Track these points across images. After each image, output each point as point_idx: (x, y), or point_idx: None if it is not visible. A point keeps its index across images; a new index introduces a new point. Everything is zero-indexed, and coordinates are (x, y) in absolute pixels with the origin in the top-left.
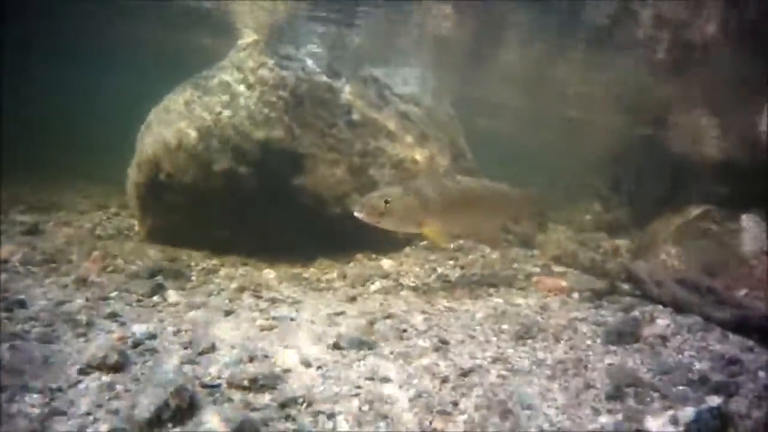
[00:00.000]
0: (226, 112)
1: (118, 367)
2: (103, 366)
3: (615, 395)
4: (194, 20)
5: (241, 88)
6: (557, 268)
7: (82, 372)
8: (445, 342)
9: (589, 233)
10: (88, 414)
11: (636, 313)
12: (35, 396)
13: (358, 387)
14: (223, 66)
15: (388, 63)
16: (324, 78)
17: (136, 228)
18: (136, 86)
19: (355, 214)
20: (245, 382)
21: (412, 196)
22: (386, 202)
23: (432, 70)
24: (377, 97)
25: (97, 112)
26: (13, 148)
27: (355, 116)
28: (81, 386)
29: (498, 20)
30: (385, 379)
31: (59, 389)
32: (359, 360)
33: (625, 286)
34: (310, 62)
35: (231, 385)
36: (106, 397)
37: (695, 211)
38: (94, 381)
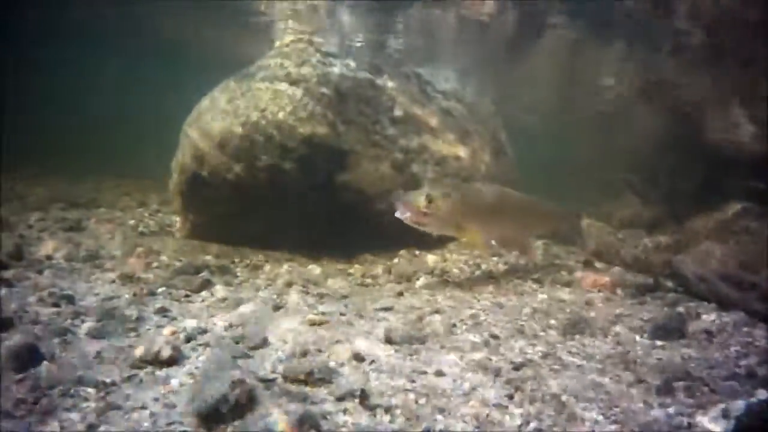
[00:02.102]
0: (270, 109)
1: (171, 362)
2: (156, 360)
3: (666, 389)
4: (234, 17)
5: (285, 84)
6: (599, 264)
7: (136, 366)
8: (495, 337)
9: (627, 229)
10: (145, 408)
11: (681, 308)
12: (90, 390)
13: (413, 381)
14: (266, 63)
15: (429, 60)
16: (367, 74)
17: (179, 224)
18: (173, 83)
19: (397, 215)
20: (301, 376)
21: (454, 199)
22: (430, 201)
23: (472, 67)
24: (420, 94)
25: (132, 109)
26: (47, 146)
27: (398, 112)
28: (135, 380)
29: (535, 16)
30: (439, 373)
31: (114, 383)
32: (411, 354)
33: (668, 282)
34: (353, 59)
35: (287, 378)
36: (162, 392)
37: (735, 207)
38: (148, 375)
